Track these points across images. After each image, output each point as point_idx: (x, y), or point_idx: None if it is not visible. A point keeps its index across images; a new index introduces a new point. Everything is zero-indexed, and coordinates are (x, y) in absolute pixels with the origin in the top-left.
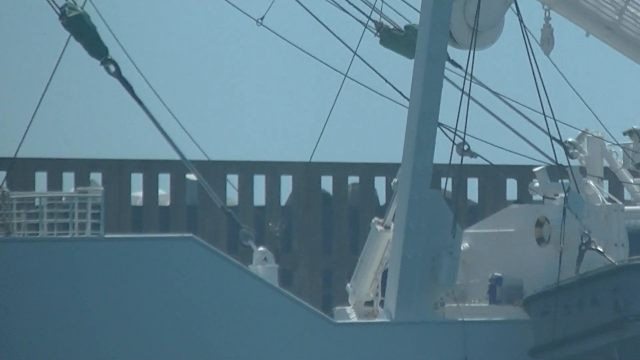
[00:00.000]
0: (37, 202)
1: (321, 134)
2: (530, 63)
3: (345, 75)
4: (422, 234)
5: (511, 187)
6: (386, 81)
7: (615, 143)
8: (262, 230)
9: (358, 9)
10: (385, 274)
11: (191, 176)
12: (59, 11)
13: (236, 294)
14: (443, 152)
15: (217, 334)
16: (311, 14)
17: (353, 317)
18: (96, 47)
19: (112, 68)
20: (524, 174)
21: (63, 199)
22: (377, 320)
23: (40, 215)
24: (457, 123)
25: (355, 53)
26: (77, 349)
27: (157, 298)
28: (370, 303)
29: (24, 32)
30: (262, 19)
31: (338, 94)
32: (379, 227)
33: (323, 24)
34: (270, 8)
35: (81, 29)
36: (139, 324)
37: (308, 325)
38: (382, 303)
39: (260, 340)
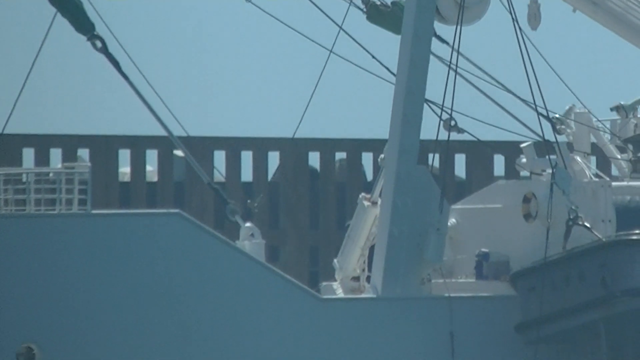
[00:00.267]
0: (24, 178)
1: (305, 110)
2: (517, 39)
3: (331, 51)
4: (409, 210)
5: (499, 163)
6: (373, 57)
7: (605, 119)
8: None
9: None
10: (372, 249)
11: (179, 152)
12: None
13: (223, 270)
14: (430, 129)
15: (203, 309)
16: None
17: (339, 293)
18: (82, 23)
19: (99, 44)
20: (511, 150)
21: (50, 174)
22: (363, 295)
23: (28, 191)
24: (444, 99)
25: (340, 28)
26: (64, 324)
27: (144, 273)
28: (357, 278)
29: (10, 8)
30: None
31: (323, 70)
32: (366, 203)
33: (310, 0)
34: None
35: (67, 4)
36: (126, 299)
37: (294, 301)
38: (368, 279)
39: (246, 315)
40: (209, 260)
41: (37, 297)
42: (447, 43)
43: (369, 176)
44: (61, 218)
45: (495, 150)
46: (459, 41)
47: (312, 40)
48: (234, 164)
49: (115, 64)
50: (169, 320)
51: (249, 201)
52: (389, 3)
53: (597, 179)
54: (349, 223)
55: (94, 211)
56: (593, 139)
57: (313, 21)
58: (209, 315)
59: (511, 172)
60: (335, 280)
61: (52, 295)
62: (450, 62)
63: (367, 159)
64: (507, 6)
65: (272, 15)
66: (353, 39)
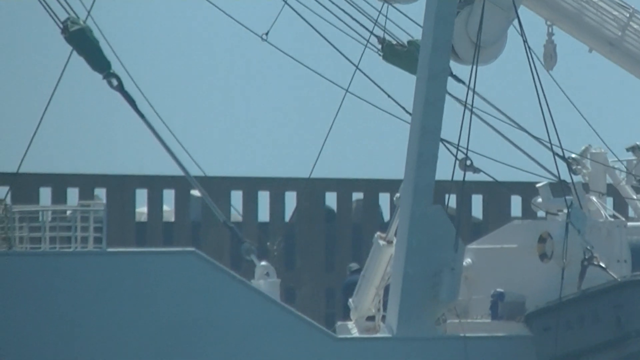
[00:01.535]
0: (40, 217)
1: (321, 150)
2: (533, 79)
3: (347, 90)
4: (424, 249)
5: (516, 204)
6: (389, 96)
7: (622, 159)
8: (265, 246)
9: (361, 25)
10: (387, 289)
11: (195, 192)
12: (61, 25)
13: (238, 308)
14: (447, 169)
15: (219, 348)
16: (314, 29)
17: (355, 332)
18: (98, 61)
19: (115, 82)
20: (528, 190)
21: (68, 212)
22: (378, 335)
23: (43, 229)
24: (459, 138)
25: (357, 67)
26: None
27: (159, 311)
28: (372, 318)
29: (26, 46)
30: (266, 34)
31: (339, 109)
32: (382, 242)
33: (326, 39)
34: (274, 24)
35: (83, 43)
36: (142, 338)
37: (310, 340)
38: (384, 318)
39: (261, 354)
40: (224, 299)
41: (52, 334)
42: (463, 82)
43: (386, 217)
44: (76, 256)
45: (512, 191)
46: (475, 81)
47: (328, 80)
48: (250, 204)
49: (131, 102)
50: (183, 358)
51: (268, 243)
52: (405, 42)
53: (612, 219)
54: (351, 265)
55: (109, 249)
56: (609, 180)
57: (331, 61)
58: (224, 355)
59: (528, 213)
60: (351, 320)
61: (67, 332)
62: (466, 102)
63: (384, 199)
64: (524, 46)
65: (290, 56)
66: (370, 78)
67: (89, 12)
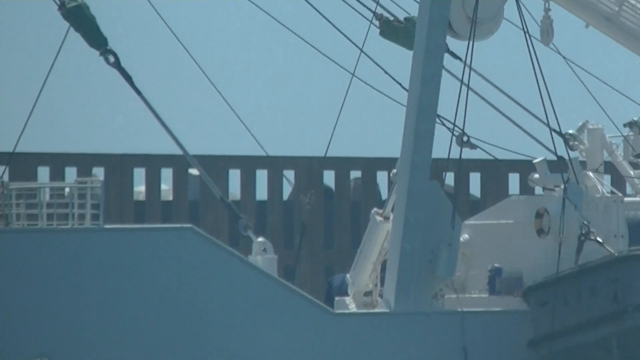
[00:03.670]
0: (38, 195)
1: (333, 132)
2: (530, 54)
3: (353, 74)
4: (421, 226)
5: (514, 182)
6: (386, 72)
7: (619, 135)
8: (263, 224)
9: (359, 1)
10: (385, 264)
11: (193, 171)
12: (58, 2)
13: (235, 284)
14: (444, 147)
15: (216, 324)
16: (310, 4)
17: (352, 308)
18: (95, 38)
19: (112, 58)
20: (526, 168)
21: (66, 190)
22: (376, 310)
23: (40, 206)
24: (456, 115)
25: (361, 50)
26: (76, 339)
27: (157, 288)
28: (369, 293)
29: (23, 23)
30: None
31: (346, 94)
32: (378, 218)
33: (325, 17)
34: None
35: (80, 19)
36: (138, 314)
37: (307, 315)
38: (381, 293)
39: (259, 330)
40: (221, 275)
41: (50, 311)
42: (460, 59)
43: (384, 195)
44: (73, 233)
45: (510, 168)
46: (471, 57)
47: (333, 61)
48: (248, 182)
49: (128, 78)
50: (181, 335)
51: (301, 196)
52: (402, 19)
53: (609, 195)
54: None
55: (106, 226)
56: (607, 157)
57: (327, 37)
58: (222, 330)
59: (526, 190)
60: (348, 295)
61: (65, 309)
62: (462, 78)
63: (382, 177)
64: (521, 21)
65: (278, 22)
66: (371, 59)
67: None
